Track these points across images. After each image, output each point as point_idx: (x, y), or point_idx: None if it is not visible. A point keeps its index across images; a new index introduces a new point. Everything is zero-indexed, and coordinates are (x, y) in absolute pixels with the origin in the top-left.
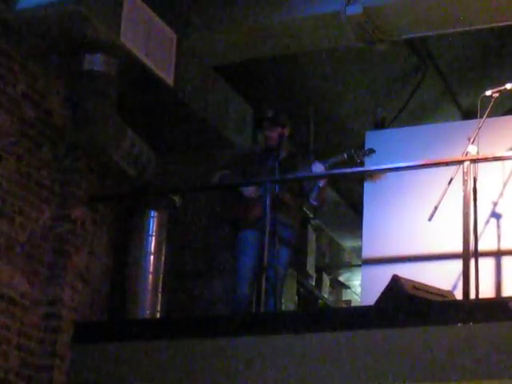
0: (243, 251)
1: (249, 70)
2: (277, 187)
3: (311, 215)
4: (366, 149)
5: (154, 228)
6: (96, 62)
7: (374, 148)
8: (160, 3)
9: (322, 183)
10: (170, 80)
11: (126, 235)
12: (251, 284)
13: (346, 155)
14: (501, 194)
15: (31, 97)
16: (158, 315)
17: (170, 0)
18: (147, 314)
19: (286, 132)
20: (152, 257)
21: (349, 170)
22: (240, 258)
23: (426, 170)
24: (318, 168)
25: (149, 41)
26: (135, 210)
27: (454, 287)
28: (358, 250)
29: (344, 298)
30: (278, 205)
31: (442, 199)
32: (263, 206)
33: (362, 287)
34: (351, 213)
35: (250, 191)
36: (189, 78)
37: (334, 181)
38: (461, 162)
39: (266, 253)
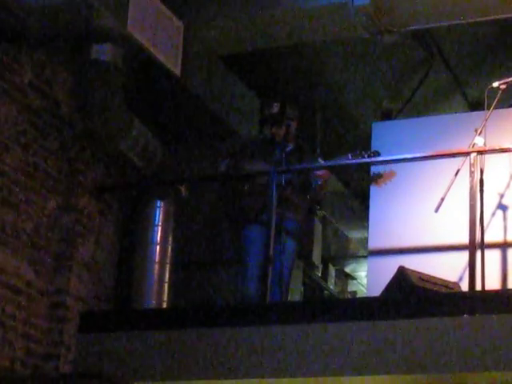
0: (248, 250)
1: (256, 61)
2: (283, 179)
3: (317, 206)
4: (370, 150)
5: (161, 218)
6: (103, 51)
7: (379, 150)
8: None
9: (320, 181)
10: (177, 70)
11: (132, 225)
12: (258, 281)
13: (350, 156)
14: (507, 186)
15: (38, 86)
16: (164, 305)
17: None
18: (153, 304)
19: (294, 125)
20: (158, 247)
21: (355, 161)
22: (245, 257)
23: (432, 162)
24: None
25: (156, 30)
26: (141, 200)
27: (460, 279)
28: (364, 241)
29: (350, 289)
30: (282, 198)
31: (448, 191)
32: (266, 197)
33: (368, 278)
34: (357, 204)
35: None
36: (196, 68)
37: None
38: (467, 154)
39: (271, 244)
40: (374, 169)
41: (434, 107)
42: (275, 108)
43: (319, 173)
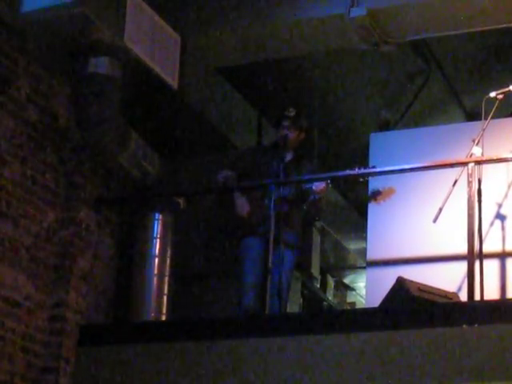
0: (245, 262)
1: (253, 73)
2: (281, 190)
3: (316, 218)
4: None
5: (159, 230)
6: (100, 64)
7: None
8: (164, 5)
9: (317, 197)
10: (174, 82)
11: (131, 238)
12: (257, 293)
13: None
14: (505, 196)
15: (35, 100)
16: (163, 318)
17: (174, 2)
18: (152, 316)
19: (302, 136)
20: (157, 259)
21: (353, 172)
22: (244, 269)
23: (430, 172)
24: (320, 185)
25: (153, 43)
26: (140, 212)
27: (459, 289)
28: (363, 252)
29: (348, 300)
30: (279, 213)
31: (446, 201)
32: (266, 209)
33: (367, 289)
34: (356, 215)
35: (243, 210)
36: (193, 80)
37: (338, 183)
38: (465, 164)
39: (270, 256)
40: (372, 185)
41: (432, 118)
42: (292, 112)
43: (316, 189)
